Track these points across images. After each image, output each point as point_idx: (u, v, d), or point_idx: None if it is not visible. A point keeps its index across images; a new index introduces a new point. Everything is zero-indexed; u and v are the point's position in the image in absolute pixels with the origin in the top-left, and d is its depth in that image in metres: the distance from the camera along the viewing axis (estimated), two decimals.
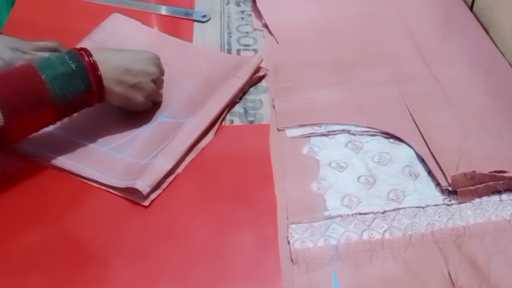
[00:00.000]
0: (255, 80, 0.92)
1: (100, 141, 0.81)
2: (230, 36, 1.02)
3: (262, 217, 0.73)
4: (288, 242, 0.70)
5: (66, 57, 0.75)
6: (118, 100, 0.80)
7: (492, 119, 0.84)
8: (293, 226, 0.72)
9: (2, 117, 0.69)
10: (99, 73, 0.75)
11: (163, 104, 0.87)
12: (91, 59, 0.75)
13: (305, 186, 0.77)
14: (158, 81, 0.83)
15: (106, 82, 0.76)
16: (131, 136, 0.82)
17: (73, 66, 0.74)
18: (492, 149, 0.79)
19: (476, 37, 0.99)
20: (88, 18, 1.05)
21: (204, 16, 1.06)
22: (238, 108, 0.88)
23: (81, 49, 0.77)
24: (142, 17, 1.05)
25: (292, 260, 0.68)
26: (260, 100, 0.90)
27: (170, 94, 0.88)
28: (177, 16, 1.07)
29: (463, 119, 0.84)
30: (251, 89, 0.91)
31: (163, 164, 0.76)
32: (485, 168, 0.75)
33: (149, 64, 0.81)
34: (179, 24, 1.05)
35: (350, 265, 0.68)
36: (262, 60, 0.92)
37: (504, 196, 0.75)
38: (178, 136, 0.80)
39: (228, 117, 0.87)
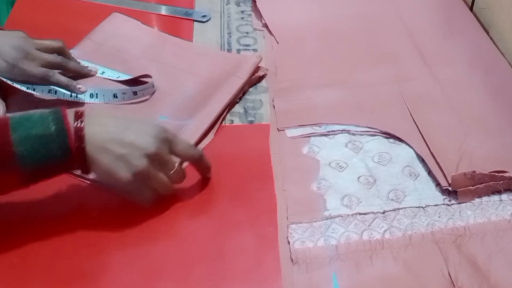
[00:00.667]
0: (255, 80, 0.91)
1: None
2: (230, 36, 1.02)
3: (262, 217, 0.73)
4: (288, 242, 0.70)
5: (49, 117, 0.65)
6: (100, 172, 0.68)
7: (492, 119, 0.84)
8: (293, 226, 0.72)
9: None
10: (83, 144, 0.65)
11: (163, 104, 0.86)
12: (77, 123, 0.65)
13: (305, 186, 0.77)
14: (156, 160, 0.68)
15: (89, 148, 0.65)
16: None
17: (52, 128, 0.64)
18: (492, 149, 0.79)
19: (476, 37, 0.99)
20: (88, 18, 1.05)
21: (204, 16, 1.06)
22: (238, 108, 0.88)
23: (75, 110, 0.66)
24: (142, 17, 1.05)
25: (292, 260, 0.68)
26: (260, 100, 0.90)
27: (170, 95, 0.87)
28: (177, 16, 1.07)
29: (463, 119, 0.84)
30: (251, 89, 0.91)
31: None
32: (485, 168, 0.75)
33: (145, 135, 0.68)
34: (179, 24, 1.05)
35: (350, 265, 0.68)
36: (261, 59, 0.92)
37: (504, 196, 0.75)
38: None
39: (228, 117, 0.87)
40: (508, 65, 0.93)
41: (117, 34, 0.97)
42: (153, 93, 0.87)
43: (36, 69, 0.81)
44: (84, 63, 0.90)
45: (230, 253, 0.69)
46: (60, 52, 0.87)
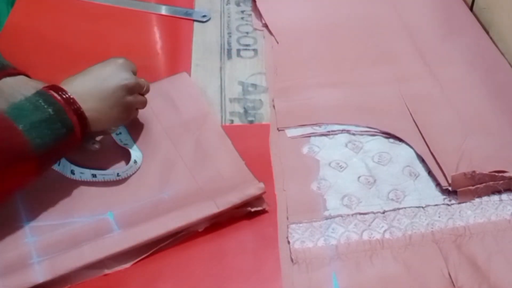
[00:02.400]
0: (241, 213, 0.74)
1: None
2: (230, 36, 1.02)
3: (262, 217, 0.73)
4: (288, 242, 0.70)
5: (40, 101, 0.68)
6: (104, 124, 0.74)
7: (492, 119, 0.84)
8: (293, 226, 0.72)
9: None
10: (79, 109, 0.70)
11: (124, 197, 0.75)
12: (66, 95, 0.69)
13: (305, 186, 0.77)
14: (135, 87, 0.76)
15: (87, 113, 0.70)
16: (63, 221, 0.72)
17: (50, 110, 0.67)
18: (492, 149, 0.79)
19: (476, 37, 0.99)
20: (88, 18, 1.05)
21: (204, 16, 1.06)
22: (238, 108, 0.88)
23: (51, 87, 0.70)
24: (142, 17, 1.05)
25: (292, 260, 0.68)
26: (260, 100, 0.90)
27: (143, 190, 0.76)
28: (177, 16, 1.07)
29: (463, 119, 0.84)
30: (251, 89, 0.91)
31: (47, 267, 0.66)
32: (485, 168, 0.75)
33: (118, 75, 0.74)
34: (179, 24, 1.05)
35: (350, 265, 0.68)
36: (263, 192, 0.73)
37: (504, 196, 0.75)
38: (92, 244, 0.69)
39: (228, 117, 0.87)
40: (508, 65, 0.93)
41: (167, 95, 0.88)
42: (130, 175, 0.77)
43: None
44: None
45: (230, 253, 0.69)
46: None
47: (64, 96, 0.69)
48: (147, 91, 0.80)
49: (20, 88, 0.77)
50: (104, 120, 0.73)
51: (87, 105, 0.70)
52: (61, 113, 0.68)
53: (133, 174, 0.77)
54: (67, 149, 0.71)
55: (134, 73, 0.77)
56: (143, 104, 0.80)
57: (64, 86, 0.71)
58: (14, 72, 0.79)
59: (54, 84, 0.71)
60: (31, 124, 0.66)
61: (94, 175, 0.76)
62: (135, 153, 0.79)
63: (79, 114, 0.70)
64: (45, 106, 0.68)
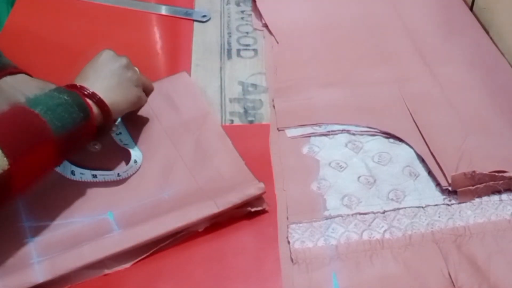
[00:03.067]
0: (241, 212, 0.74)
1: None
2: (230, 36, 1.02)
3: (262, 217, 0.73)
4: (288, 242, 0.70)
5: (54, 92, 0.68)
6: (124, 107, 0.75)
7: (492, 119, 0.84)
8: (293, 226, 0.72)
9: (6, 159, 0.60)
10: (95, 95, 0.71)
11: (124, 197, 0.75)
12: (85, 91, 0.70)
13: (305, 186, 0.77)
14: (130, 64, 0.77)
15: (103, 95, 0.71)
16: (63, 221, 0.72)
17: (64, 96, 0.68)
18: (492, 149, 0.79)
19: (476, 37, 0.99)
20: (88, 18, 1.05)
21: (204, 16, 1.06)
22: (238, 108, 0.88)
23: (66, 86, 0.71)
24: (142, 17, 1.05)
25: (292, 260, 0.68)
26: (260, 100, 0.90)
27: (141, 190, 0.76)
28: (177, 16, 1.07)
29: (463, 119, 0.84)
30: (251, 89, 0.91)
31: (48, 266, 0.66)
32: (485, 168, 0.75)
33: (113, 58, 0.76)
34: (179, 24, 1.05)
35: (350, 265, 0.68)
36: (263, 192, 0.73)
37: (504, 196, 0.75)
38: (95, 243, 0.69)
39: (228, 117, 0.87)
40: (508, 65, 0.93)
41: (167, 95, 0.88)
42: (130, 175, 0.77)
43: None
44: None
45: (230, 253, 0.69)
46: None
47: (77, 86, 0.70)
48: (151, 90, 0.81)
49: (21, 87, 0.78)
50: (121, 101, 0.74)
51: (101, 93, 0.71)
52: (77, 98, 0.68)
53: (134, 174, 0.77)
54: (86, 136, 0.71)
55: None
56: (149, 86, 0.80)
57: (79, 80, 0.72)
58: (15, 71, 0.79)
59: (68, 84, 0.71)
60: (48, 107, 0.66)
61: (94, 176, 0.76)
62: (135, 153, 0.79)
63: (98, 100, 0.70)
64: (60, 95, 0.68)
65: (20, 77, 0.79)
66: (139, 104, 0.79)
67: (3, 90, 0.76)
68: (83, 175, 0.76)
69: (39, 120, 0.64)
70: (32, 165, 0.64)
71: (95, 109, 0.70)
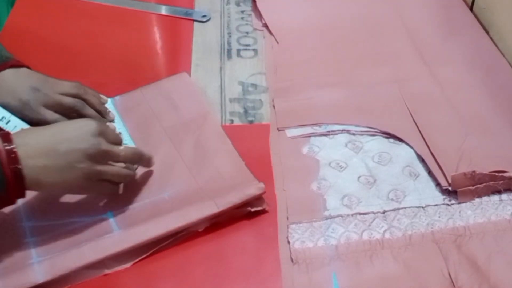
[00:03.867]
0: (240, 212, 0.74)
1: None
2: (230, 36, 1.02)
3: (262, 217, 0.73)
4: (288, 242, 0.70)
5: None
6: (52, 189, 0.69)
7: (492, 119, 0.84)
8: (293, 226, 0.72)
9: None
10: (18, 166, 0.62)
11: (122, 198, 0.74)
12: (8, 148, 0.63)
13: (305, 186, 0.77)
14: (99, 155, 0.68)
15: (27, 171, 0.63)
16: (63, 221, 0.72)
17: None
18: (492, 149, 0.79)
19: (476, 37, 0.99)
20: (88, 18, 1.05)
21: (204, 16, 1.06)
22: (238, 108, 0.88)
23: (1, 135, 0.64)
24: (142, 17, 1.05)
25: (292, 260, 0.68)
26: (260, 100, 0.90)
27: (140, 191, 0.76)
28: (177, 16, 1.07)
29: (463, 119, 0.84)
30: (251, 89, 0.91)
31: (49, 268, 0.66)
32: (485, 168, 0.75)
33: (79, 138, 0.67)
34: (179, 24, 1.05)
35: (350, 265, 0.68)
36: (263, 191, 0.73)
37: (504, 196, 0.75)
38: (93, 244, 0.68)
39: (228, 117, 0.87)
40: (508, 65, 0.93)
41: (167, 95, 0.88)
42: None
43: (52, 116, 0.78)
44: (114, 112, 0.85)
45: (230, 253, 0.69)
46: (77, 96, 0.80)
47: (6, 148, 0.63)
48: (132, 162, 0.74)
49: (24, 79, 0.77)
50: (48, 183, 0.65)
51: (32, 162, 0.64)
52: None
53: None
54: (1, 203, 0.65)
55: (114, 142, 0.71)
56: (118, 176, 0.72)
57: (17, 136, 0.65)
58: (17, 64, 0.79)
59: (4, 133, 0.65)
60: None
61: None
62: None
63: (17, 170, 0.62)
64: None
65: (23, 70, 0.79)
66: (85, 193, 0.72)
67: (4, 82, 0.76)
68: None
69: None
70: None
71: (12, 179, 0.62)
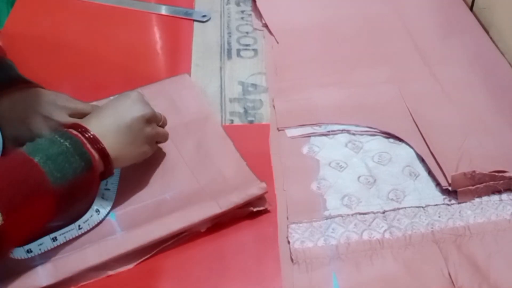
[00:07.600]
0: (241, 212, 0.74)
1: None
2: (230, 36, 1.02)
3: (262, 217, 0.73)
4: (288, 242, 0.70)
5: (56, 136, 0.65)
6: (129, 162, 0.72)
7: (492, 119, 0.84)
8: (293, 226, 0.72)
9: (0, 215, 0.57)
10: (100, 145, 0.67)
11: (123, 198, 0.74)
12: (87, 134, 0.67)
13: (305, 186, 0.77)
14: (152, 118, 0.73)
15: (109, 150, 0.68)
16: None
17: (66, 143, 0.64)
18: (492, 149, 0.79)
19: (476, 37, 0.99)
20: (88, 18, 1.05)
21: (204, 16, 1.06)
22: (238, 108, 0.88)
23: (69, 125, 0.68)
24: (142, 17, 1.05)
25: (292, 260, 0.68)
26: (260, 100, 0.90)
27: (140, 191, 0.75)
28: (177, 16, 1.07)
29: (463, 119, 0.84)
30: (251, 89, 0.91)
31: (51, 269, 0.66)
32: (485, 168, 0.75)
33: (133, 108, 0.72)
34: (179, 24, 1.05)
35: (350, 265, 0.68)
36: (265, 191, 0.74)
37: (504, 196, 0.75)
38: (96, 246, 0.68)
39: (228, 117, 0.87)
40: (508, 65, 0.93)
41: (168, 96, 0.88)
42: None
43: None
44: None
45: (230, 253, 0.69)
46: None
47: (80, 131, 0.67)
48: (165, 123, 0.78)
49: (33, 108, 0.74)
50: (126, 156, 0.71)
51: (108, 141, 0.68)
52: (79, 146, 0.65)
53: (97, 225, 0.71)
54: (87, 187, 0.67)
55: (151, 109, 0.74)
56: (164, 137, 0.77)
57: (86, 123, 0.69)
58: (25, 86, 0.76)
59: (74, 123, 0.69)
60: (48, 156, 0.62)
61: (54, 239, 0.68)
62: (101, 202, 0.72)
63: (100, 149, 0.67)
64: (61, 141, 0.64)
65: (32, 91, 0.76)
66: (144, 158, 0.75)
67: (16, 112, 0.73)
68: (42, 245, 0.67)
69: (37, 170, 0.61)
70: (27, 219, 0.61)
71: (97, 158, 0.67)
